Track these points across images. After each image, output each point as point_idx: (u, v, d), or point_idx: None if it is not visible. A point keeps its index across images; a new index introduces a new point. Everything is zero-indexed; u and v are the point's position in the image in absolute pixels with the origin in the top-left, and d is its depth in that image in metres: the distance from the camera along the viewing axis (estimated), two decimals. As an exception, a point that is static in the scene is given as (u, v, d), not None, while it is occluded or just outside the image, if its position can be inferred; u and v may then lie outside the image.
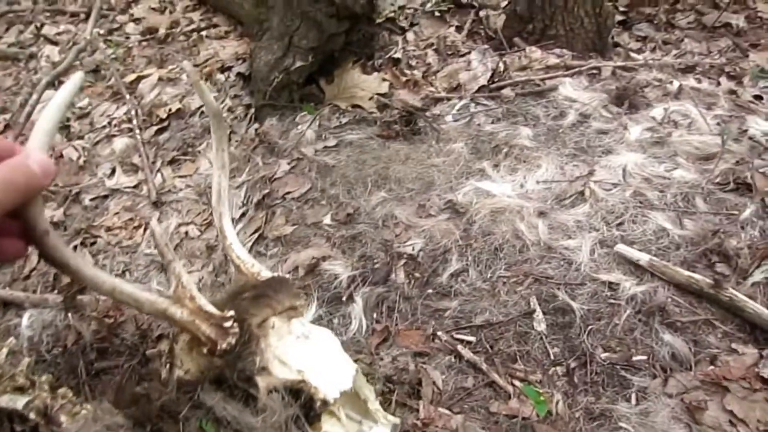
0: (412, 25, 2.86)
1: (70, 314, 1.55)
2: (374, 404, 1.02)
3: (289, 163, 1.94)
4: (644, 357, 1.29)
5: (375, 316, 1.44)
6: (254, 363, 0.91)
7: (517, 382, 1.27)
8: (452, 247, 1.54)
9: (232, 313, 0.91)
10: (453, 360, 1.32)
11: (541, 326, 1.36)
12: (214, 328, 0.90)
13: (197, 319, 0.90)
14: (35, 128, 0.63)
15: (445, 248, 1.54)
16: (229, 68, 2.68)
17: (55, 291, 1.65)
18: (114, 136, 2.42)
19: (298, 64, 2.25)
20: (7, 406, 1.28)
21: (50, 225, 0.64)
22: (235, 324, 0.90)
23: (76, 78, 0.68)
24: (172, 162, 2.13)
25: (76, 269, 0.72)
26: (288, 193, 1.81)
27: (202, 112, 2.39)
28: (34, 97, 2.70)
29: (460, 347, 1.32)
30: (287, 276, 1.06)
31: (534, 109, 2.05)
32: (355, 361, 1.33)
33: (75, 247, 1.80)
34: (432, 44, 2.68)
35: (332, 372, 0.94)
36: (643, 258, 1.43)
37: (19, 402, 1.30)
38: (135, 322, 1.49)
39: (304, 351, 0.94)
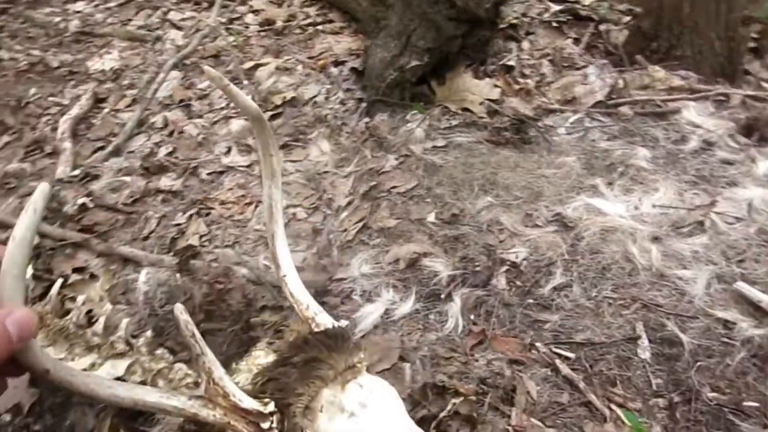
0: (527, 33, 2.83)
1: (183, 276, 1.65)
2: None
3: (396, 159, 1.97)
4: (756, 404, 1.22)
5: (472, 317, 1.44)
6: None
7: (614, 407, 1.23)
8: (557, 260, 1.51)
9: (270, 408, 0.78)
10: (549, 373, 1.30)
11: (645, 354, 1.31)
12: (253, 427, 0.77)
13: (232, 419, 0.78)
14: (3, 274, 0.58)
15: (549, 260, 1.52)
16: (343, 63, 2.75)
17: (171, 253, 1.76)
18: (231, 117, 2.54)
19: (414, 63, 2.29)
20: (110, 374, 1.29)
21: (51, 361, 0.64)
22: (274, 421, 0.78)
23: (38, 198, 0.63)
24: (283, 147, 2.22)
25: (90, 393, 0.69)
26: (394, 187, 1.84)
27: (315, 102, 2.48)
28: (161, 76, 2.89)
29: (558, 361, 1.30)
30: (345, 326, 0.88)
31: (653, 131, 1.98)
32: (448, 359, 1.34)
33: (191, 216, 1.92)
34: (547, 54, 2.64)
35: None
36: (765, 300, 1.35)
37: (120, 367, 1.38)
38: (242, 291, 1.56)
39: (358, 427, 0.78)
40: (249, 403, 0.77)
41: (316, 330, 0.87)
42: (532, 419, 1.21)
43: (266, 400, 0.78)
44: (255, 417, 0.77)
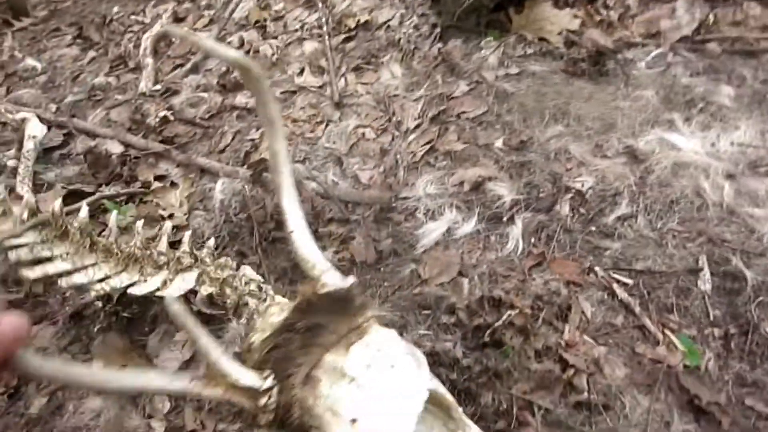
0: (613, -36, 2.69)
1: (255, 187, 1.74)
2: (458, 412, 0.80)
3: (468, 85, 1.97)
4: (817, 341, 1.21)
5: (532, 240, 1.46)
6: (303, 427, 0.76)
7: (668, 332, 1.25)
8: (624, 191, 1.51)
9: (268, 384, 0.73)
10: (605, 297, 1.32)
11: (705, 286, 1.31)
12: (252, 402, 0.75)
13: (233, 396, 0.75)
14: None
15: (616, 191, 1.51)
16: (419, -12, 2.71)
17: (245, 166, 1.85)
18: (304, 39, 2.58)
19: (491, -11, 2.23)
20: (181, 288, 1.40)
21: (49, 365, 0.61)
22: (272, 396, 0.74)
23: None
24: (356, 69, 2.25)
25: (97, 385, 0.70)
26: (463, 112, 1.85)
27: (388, 27, 2.47)
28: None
29: (615, 286, 1.32)
30: (352, 282, 0.78)
31: (741, 70, 1.88)
32: (506, 277, 1.38)
33: (264, 132, 2.00)
34: (633, -14, 2.51)
35: (393, 412, 0.73)
36: (840, 241, 1.31)
37: (189, 279, 1.42)
38: (311, 203, 1.64)
39: (360, 393, 0.74)
40: (247, 379, 0.74)
41: (321, 292, 0.79)
42: (585, 336, 1.25)
43: (266, 373, 0.75)
44: (252, 394, 0.74)
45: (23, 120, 2.10)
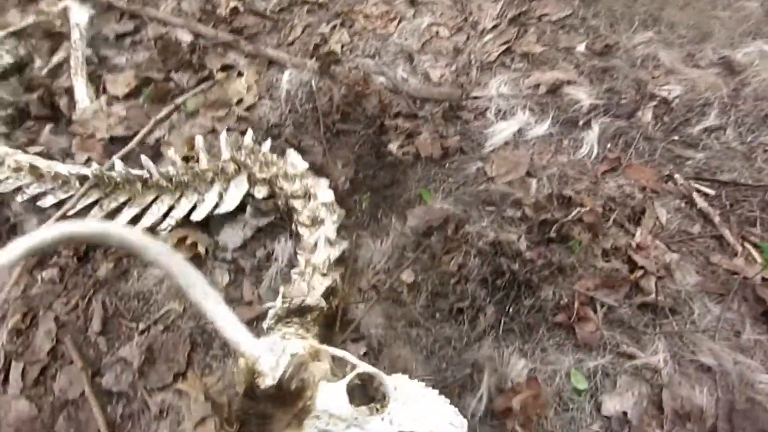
0: None
1: (323, 78, 1.71)
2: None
3: (552, -12, 1.85)
4: None
5: (608, 146, 1.40)
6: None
7: (748, 245, 1.18)
8: (714, 102, 1.40)
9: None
10: (683, 205, 1.26)
11: (795, 202, 1.23)
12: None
13: None
14: None
15: (705, 101, 1.41)
16: None
17: (313, 58, 1.82)
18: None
19: None
20: (237, 196, 1.42)
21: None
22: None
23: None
24: (432, -30, 2.14)
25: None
26: (545, 15, 1.74)
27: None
28: None
29: (695, 195, 1.25)
30: (282, 374, 0.94)
31: None
32: (577, 180, 1.33)
33: (334, 27, 1.95)
34: None
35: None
36: None
37: (242, 184, 1.44)
38: (379, 97, 1.60)
39: None
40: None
41: (259, 383, 0.94)
42: (657, 241, 1.19)
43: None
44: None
45: (65, 9, 2.08)
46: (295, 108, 1.70)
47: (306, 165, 1.44)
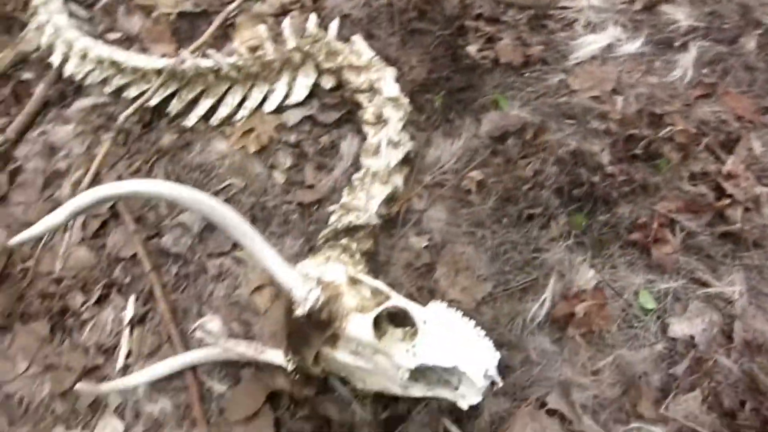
0: None
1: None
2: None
3: None
4: None
5: (704, 71, 1.32)
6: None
7: None
8: (825, 37, 1.31)
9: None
10: (780, 139, 1.19)
11: None
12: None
13: None
14: None
15: (816, 35, 1.32)
16: None
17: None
18: None
19: None
20: (306, 85, 1.41)
21: None
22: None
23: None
24: None
25: None
26: (648, -71, 1.62)
27: None
28: None
29: (794, 130, 1.19)
30: (311, 306, 0.96)
31: None
32: (667, 102, 1.26)
33: None
34: None
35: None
36: None
37: (311, 74, 1.42)
38: (460, -5, 1.52)
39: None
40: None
41: (294, 309, 0.98)
42: (748, 173, 1.14)
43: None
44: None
45: None
46: (368, 2, 1.63)
47: (372, 54, 1.39)
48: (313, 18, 1.44)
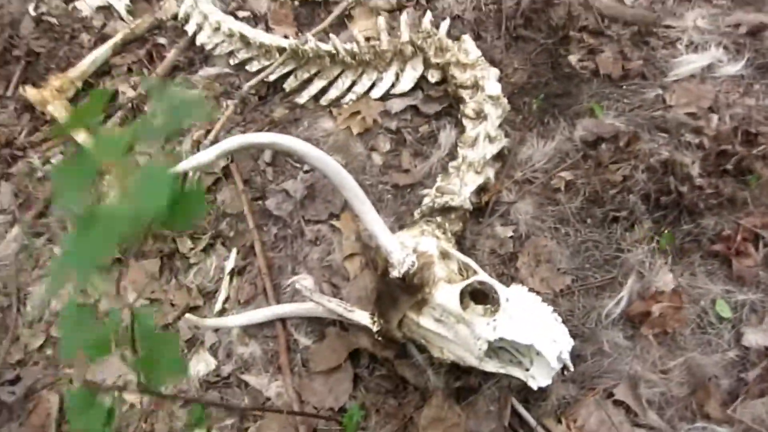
0: None
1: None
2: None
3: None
4: None
5: (808, 99, 1.33)
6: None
7: None
8: None
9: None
10: None
11: None
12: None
13: None
14: None
15: None
16: None
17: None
18: None
19: None
20: (412, 77, 1.51)
21: None
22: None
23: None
24: None
25: None
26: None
27: None
28: None
29: None
30: (407, 269, 1.06)
31: None
32: (763, 124, 1.28)
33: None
34: None
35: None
36: None
37: (418, 66, 1.51)
38: (567, 8, 1.58)
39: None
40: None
41: (389, 271, 1.08)
42: None
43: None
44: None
45: None
46: (478, 5, 1.71)
47: (479, 53, 1.47)
48: (428, 15, 1.54)
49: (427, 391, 1.13)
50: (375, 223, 1.08)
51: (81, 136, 1.54)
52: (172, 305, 1.33)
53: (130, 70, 1.73)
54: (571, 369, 1.03)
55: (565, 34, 1.57)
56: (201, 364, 1.25)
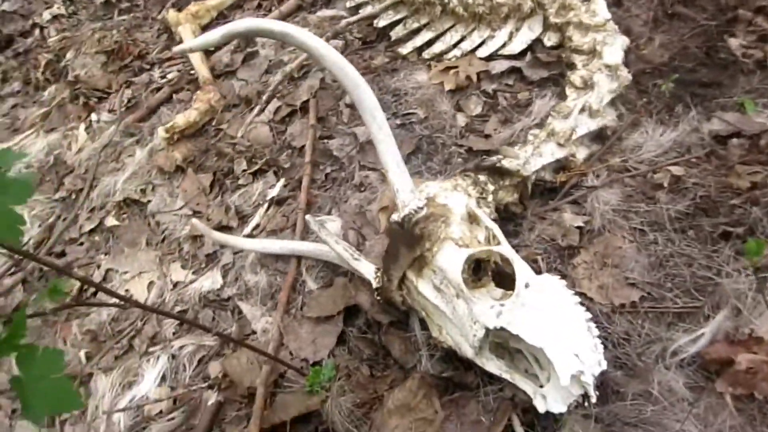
0: None
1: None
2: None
3: None
4: None
5: None
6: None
7: None
8: None
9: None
10: None
11: None
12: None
13: None
14: None
15: None
16: None
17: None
18: None
19: None
20: (525, 40, 1.32)
21: None
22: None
23: None
24: None
25: None
26: None
27: None
28: None
29: None
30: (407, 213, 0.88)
31: None
32: None
33: None
34: None
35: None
36: None
37: (536, 27, 1.31)
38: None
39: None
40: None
41: (391, 215, 0.92)
42: None
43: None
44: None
45: None
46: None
47: (608, 16, 1.22)
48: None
49: (409, 370, 0.93)
50: (389, 154, 0.91)
51: (195, 61, 1.59)
52: (208, 220, 1.29)
53: (259, 5, 1.75)
54: (593, 400, 0.76)
55: (734, 15, 1.24)
56: (208, 281, 1.19)
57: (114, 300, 0.72)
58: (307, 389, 0.95)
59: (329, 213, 1.20)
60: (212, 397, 1.02)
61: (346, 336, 1.01)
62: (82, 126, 1.64)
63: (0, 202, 0.50)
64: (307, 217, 1.06)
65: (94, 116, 1.65)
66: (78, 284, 1.22)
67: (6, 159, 0.54)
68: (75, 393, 0.53)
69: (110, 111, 1.65)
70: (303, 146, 1.33)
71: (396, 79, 1.41)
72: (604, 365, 0.76)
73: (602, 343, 0.78)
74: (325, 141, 1.34)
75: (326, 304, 1.05)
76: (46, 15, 1.98)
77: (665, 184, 1.00)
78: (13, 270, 1.37)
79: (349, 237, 1.13)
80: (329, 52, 0.88)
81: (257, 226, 1.24)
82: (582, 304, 0.82)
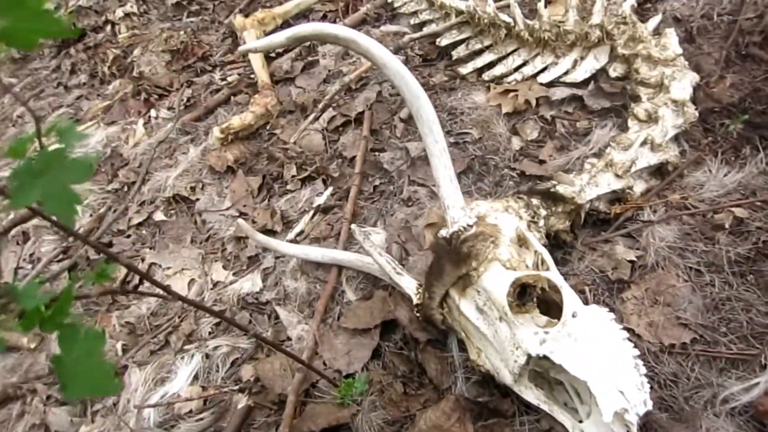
0: None
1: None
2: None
3: None
4: None
5: None
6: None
7: None
8: None
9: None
10: None
11: None
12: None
13: None
14: None
15: None
16: None
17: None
18: None
19: None
20: (589, 69, 1.30)
21: None
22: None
23: None
24: None
25: None
26: None
27: None
28: None
29: None
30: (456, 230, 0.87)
31: None
32: None
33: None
34: None
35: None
36: None
37: (602, 56, 1.29)
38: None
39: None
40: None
41: (440, 231, 0.92)
42: None
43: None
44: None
45: None
46: (709, 14, 1.40)
47: (679, 51, 1.19)
48: (631, 0, 1.30)
49: (443, 392, 0.90)
50: (442, 168, 0.90)
51: (256, 64, 1.62)
52: (254, 222, 1.30)
53: (325, 17, 1.78)
54: (637, 441, 0.72)
55: None
56: (248, 283, 1.19)
57: (158, 291, 0.72)
58: (338, 401, 0.94)
59: (374, 225, 1.20)
60: (242, 401, 1.01)
61: (381, 350, 0.99)
62: (141, 121, 1.69)
63: (58, 178, 0.48)
64: (353, 226, 1.05)
65: (153, 112, 1.70)
66: (123, 274, 1.25)
67: (68, 135, 0.53)
68: (113, 377, 0.52)
69: (169, 108, 1.69)
70: (354, 157, 1.34)
71: (453, 98, 1.40)
72: (650, 405, 0.73)
73: (649, 382, 0.74)
74: (377, 153, 1.34)
75: (364, 316, 1.04)
76: (119, 12, 2.06)
77: (726, 225, 0.96)
78: (61, 257, 1.41)
79: (392, 250, 1.12)
80: (393, 62, 0.88)
81: (301, 232, 1.24)
82: (630, 339, 0.79)
